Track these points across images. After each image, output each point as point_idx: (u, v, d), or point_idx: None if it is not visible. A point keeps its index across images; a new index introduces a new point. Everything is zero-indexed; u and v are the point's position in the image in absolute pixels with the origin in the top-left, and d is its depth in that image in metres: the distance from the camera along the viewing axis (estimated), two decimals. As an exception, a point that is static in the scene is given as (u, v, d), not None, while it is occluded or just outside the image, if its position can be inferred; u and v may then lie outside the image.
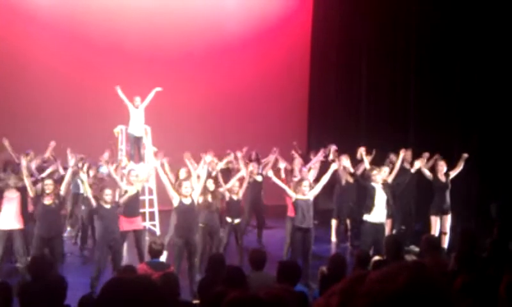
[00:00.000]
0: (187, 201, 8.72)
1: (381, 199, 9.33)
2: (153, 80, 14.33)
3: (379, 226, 9.29)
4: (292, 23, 16.10)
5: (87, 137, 13.29)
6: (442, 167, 10.39)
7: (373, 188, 9.36)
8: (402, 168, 10.87)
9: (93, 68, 14.31)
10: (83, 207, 10.82)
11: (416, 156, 11.09)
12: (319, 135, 15.52)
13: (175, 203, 8.77)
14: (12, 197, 9.03)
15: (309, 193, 9.24)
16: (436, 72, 12.82)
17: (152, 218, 12.45)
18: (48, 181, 8.92)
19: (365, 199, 9.64)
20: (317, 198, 10.74)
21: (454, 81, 12.44)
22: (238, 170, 10.52)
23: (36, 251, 8.56)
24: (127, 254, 9.81)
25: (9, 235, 8.99)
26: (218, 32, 15.43)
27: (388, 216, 9.84)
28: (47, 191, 8.74)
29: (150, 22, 14.77)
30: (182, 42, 15.00)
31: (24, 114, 13.60)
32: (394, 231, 10.87)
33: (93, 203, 8.78)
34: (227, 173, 11.26)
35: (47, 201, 8.80)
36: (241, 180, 10.11)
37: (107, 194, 8.74)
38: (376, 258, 7.36)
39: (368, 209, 9.32)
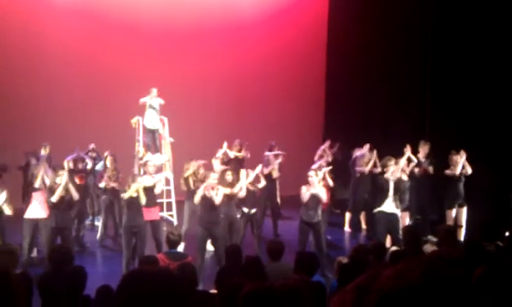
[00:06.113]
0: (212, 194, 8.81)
1: (392, 191, 9.30)
2: (167, 66, 14.37)
3: (391, 216, 9.25)
4: (308, 9, 16.04)
5: (103, 127, 13.39)
6: (458, 160, 10.32)
7: (386, 181, 9.33)
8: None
9: (111, 57, 14.33)
10: (104, 196, 10.93)
11: (433, 147, 11.05)
12: (335, 126, 15.45)
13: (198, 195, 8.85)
14: (39, 188, 9.25)
15: (317, 186, 9.27)
16: (453, 66, 12.70)
17: (169, 208, 12.52)
18: (61, 172, 9.07)
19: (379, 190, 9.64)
20: (334, 188, 10.80)
21: (471, 70, 12.30)
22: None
23: (50, 241, 8.76)
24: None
25: (35, 224, 9.17)
26: (234, 19, 15.40)
27: (404, 208, 9.78)
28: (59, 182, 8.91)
29: (169, 9, 14.76)
30: (200, 30, 14.95)
31: (39, 104, 13.69)
32: (410, 222, 10.82)
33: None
34: (238, 162, 11.48)
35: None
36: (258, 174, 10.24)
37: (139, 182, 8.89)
38: (394, 248, 7.35)
39: (381, 201, 9.31)
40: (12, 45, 13.55)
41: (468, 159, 10.43)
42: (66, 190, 8.96)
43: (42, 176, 9.29)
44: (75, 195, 9.08)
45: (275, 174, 11.77)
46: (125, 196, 8.87)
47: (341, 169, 12.44)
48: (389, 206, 9.25)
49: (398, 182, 9.35)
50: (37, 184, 9.32)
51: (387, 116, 14.40)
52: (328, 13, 16.18)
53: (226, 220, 9.36)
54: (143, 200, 8.92)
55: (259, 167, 10.30)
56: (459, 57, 12.56)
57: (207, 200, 8.76)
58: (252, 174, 9.98)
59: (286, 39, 15.67)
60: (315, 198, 9.19)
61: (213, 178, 8.88)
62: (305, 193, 9.20)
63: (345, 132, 14.17)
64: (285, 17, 15.80)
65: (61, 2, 14.06)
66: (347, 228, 12.07)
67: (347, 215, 12.03)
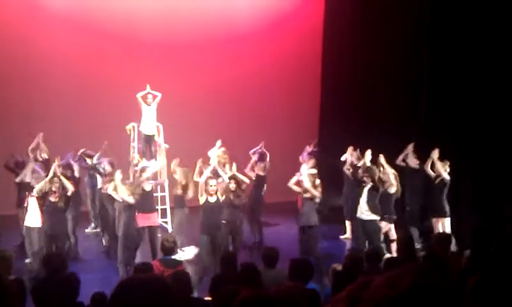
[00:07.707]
0: (212, 199, 8.94)
1: (364, 198, 9.48)
2: (163, 73, 14.37)
3: (366, 223, 9.44)
4: (304, 13, 16.08)
5: (99, 133, 13.36)
6: (442, 168, 10.40)
7: (362, 188, 9.58)
8: (409, 168, 10.91)
9: (106, 63, 14.30)
10: (98, 202, 10.89)
11: (428, 154, 11.07)
12: (331, 130, 15.44)
13: (201, 201, 8.98)
14: (35, 195, 9.23)
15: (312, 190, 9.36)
16: (450, 68, 12.73)
17: (163, 215, 12.49)
18: (56, 179, 9.04)
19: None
20: (328, 195, 10.82)
21: (465, 78, 12.35)
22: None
23: (45, 248, 8.72)
24: (139, 251, 9.80)
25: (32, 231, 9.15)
26: (229, 26, 15.40)
27: (381, 217, 9.76)
28: (53, 189, 8.87)
29: (164, 15, 14.76)
30: (195, 36, 14.93)
31: (35, 111, 13.63)
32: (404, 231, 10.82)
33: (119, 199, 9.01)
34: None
35: (53, 198, 8.90)
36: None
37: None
38: (388, 255, 7.38)
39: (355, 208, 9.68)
40: (8, 51, 13.54)
41: (461, 166, 10.46)
42: (62, 194, 8.94)
43: (25, 173, 9.35)
44: (70, 187, 9.08)
45: (253, 175, 11.67)
46: (109, 191, 9.00)
47: (335, 175, 12.47)
48: (362, 213, 9.41)
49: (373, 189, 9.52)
50: (18, 179, 9.38)
51: (382, 122, 14.41)
52: (324, 19, 16.19)
53: (229, 227, 9.40)
54: (121, 192, 8.91)
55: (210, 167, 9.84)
56: (455, 63, 12.60)
57: (208, 205, 8.84)
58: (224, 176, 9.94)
59: (282, 47, 15.67)
60: (306, 201, 9.25)
61: (210, 185, 8.97)
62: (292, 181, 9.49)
63: (341, 138, 14.17)
64: (281, 26, 15.80)
65: (57, 9, 14.07)
66: (345, 235, 11.96)
67: (348, 222, 11.94)
